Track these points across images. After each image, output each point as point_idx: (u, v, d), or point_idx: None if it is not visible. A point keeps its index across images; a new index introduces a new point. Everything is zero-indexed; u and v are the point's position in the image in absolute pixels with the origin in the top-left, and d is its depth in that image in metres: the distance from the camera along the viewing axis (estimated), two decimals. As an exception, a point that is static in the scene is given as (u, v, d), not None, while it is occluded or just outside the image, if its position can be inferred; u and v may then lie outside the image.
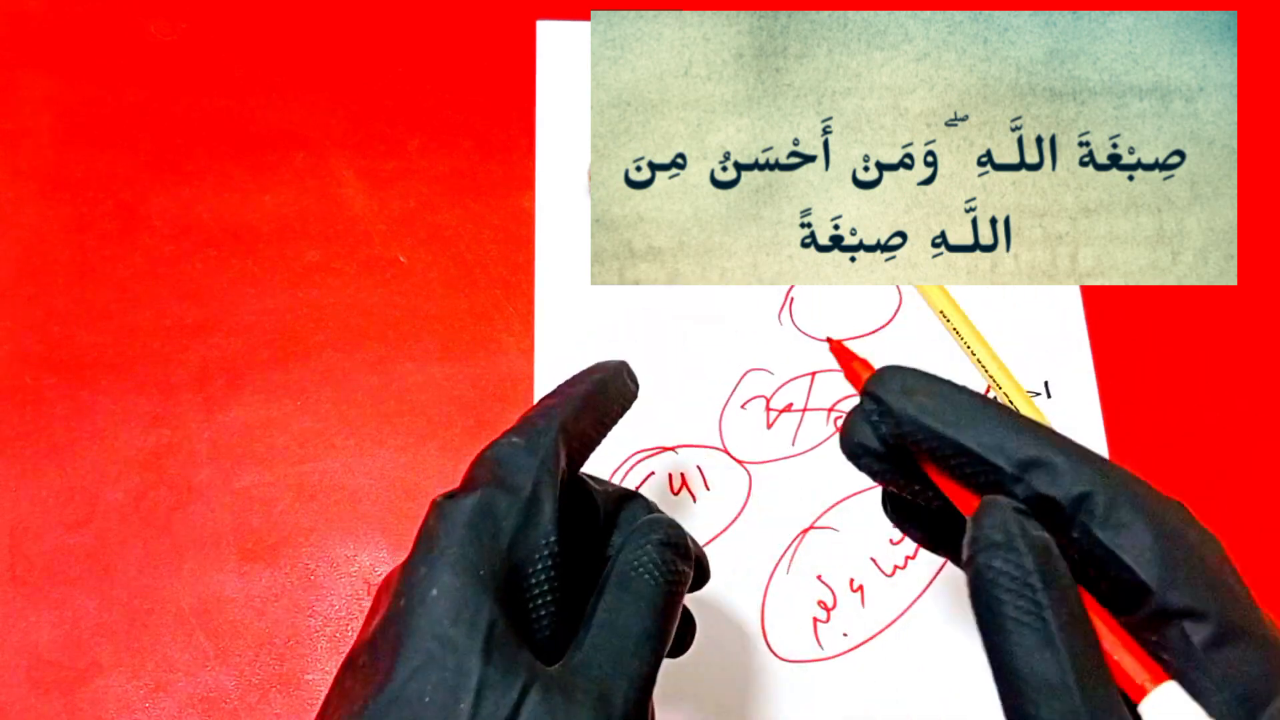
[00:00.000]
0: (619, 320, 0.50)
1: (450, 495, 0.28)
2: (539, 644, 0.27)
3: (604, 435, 0.32)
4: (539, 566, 0.27)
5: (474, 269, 0.51)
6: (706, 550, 0.40)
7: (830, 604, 0.45)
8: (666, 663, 0.29)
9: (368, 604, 0.45)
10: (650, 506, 0.33)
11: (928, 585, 0.46)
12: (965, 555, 0.24)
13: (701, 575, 0.33)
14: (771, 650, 0.44)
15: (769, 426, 0.48)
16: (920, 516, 0.31)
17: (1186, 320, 0.51)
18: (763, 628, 0.45)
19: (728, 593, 0.45)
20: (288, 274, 0.50)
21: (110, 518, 0.46)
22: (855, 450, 0.29)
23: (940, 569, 0.46)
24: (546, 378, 0.48)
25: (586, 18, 0.56)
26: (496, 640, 0.25)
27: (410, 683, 0.25)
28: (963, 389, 0.27)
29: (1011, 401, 0.48)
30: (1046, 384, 0.49)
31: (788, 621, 0.45)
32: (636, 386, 0.34)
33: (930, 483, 0.28)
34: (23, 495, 0.46)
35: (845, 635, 0.45)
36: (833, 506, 0.47)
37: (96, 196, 0.51)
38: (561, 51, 0.55)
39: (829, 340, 0.32)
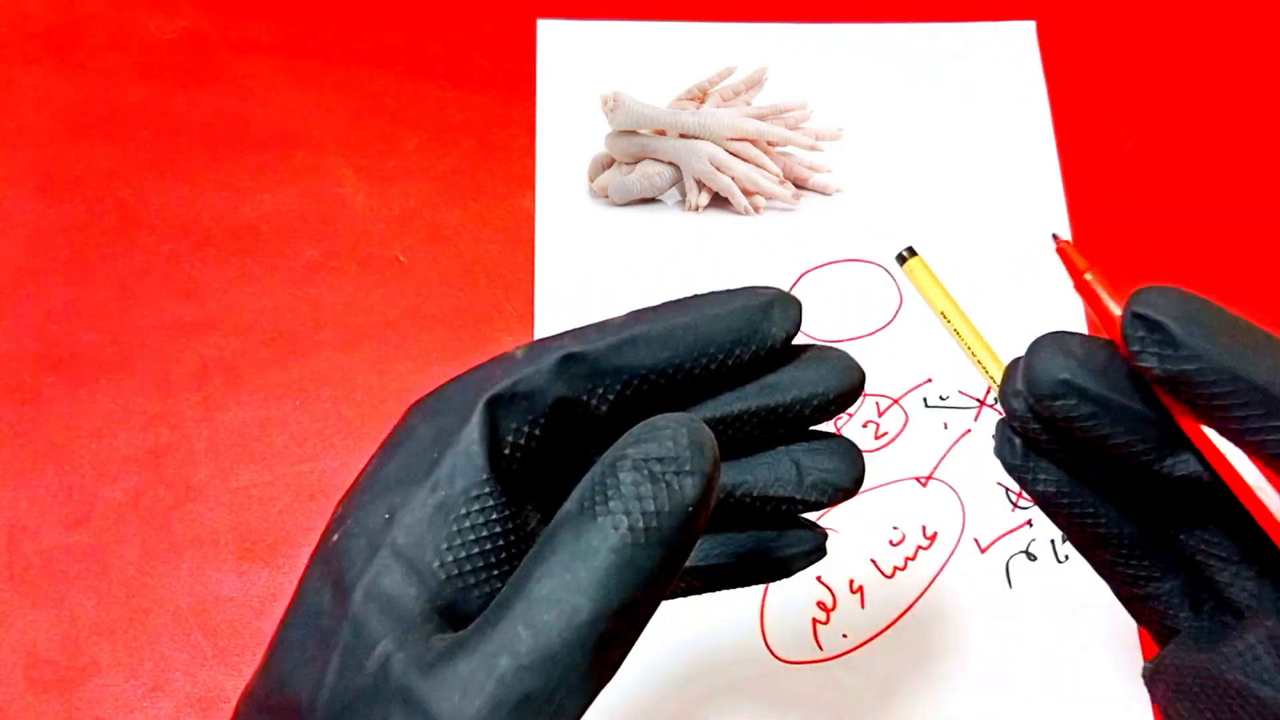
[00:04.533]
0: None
1: (424, 411, 0.24)
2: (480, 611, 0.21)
3: (679, 370, 0.25)
4: (468, 525, 0.21)
5: (474, 269, 0.51)
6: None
7: (830, 605, 0.45)
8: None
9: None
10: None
11: (927, 586, 0.46)
12: None
13: (797, 548, 0.26)
14: (771, 651, 0.44)
15: (769, 427, 0.48)
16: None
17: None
18: (762, 629, 0.45)
19: (726, 593, 0.45)
20: (287, 273, 0.50)
21: (108, 516, 0.46)
22: (1057, 390, 0.21)
23: (940, 569, 0.46)
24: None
25: (587, 17, 0.56)
26: (389, 608, 0.20)
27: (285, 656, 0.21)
28: (1247, 322, 0.21)
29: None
30: (1047, 385, 0.49)
31: (787, 622, 0.45)
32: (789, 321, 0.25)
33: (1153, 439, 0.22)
34: (21, 494, 0.46)
35: (845, 636, 0.45)
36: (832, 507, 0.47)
37: (96, 195, 0.51)
38: (561, 51, 0.55)
39: (1056, 239, 0.24)
